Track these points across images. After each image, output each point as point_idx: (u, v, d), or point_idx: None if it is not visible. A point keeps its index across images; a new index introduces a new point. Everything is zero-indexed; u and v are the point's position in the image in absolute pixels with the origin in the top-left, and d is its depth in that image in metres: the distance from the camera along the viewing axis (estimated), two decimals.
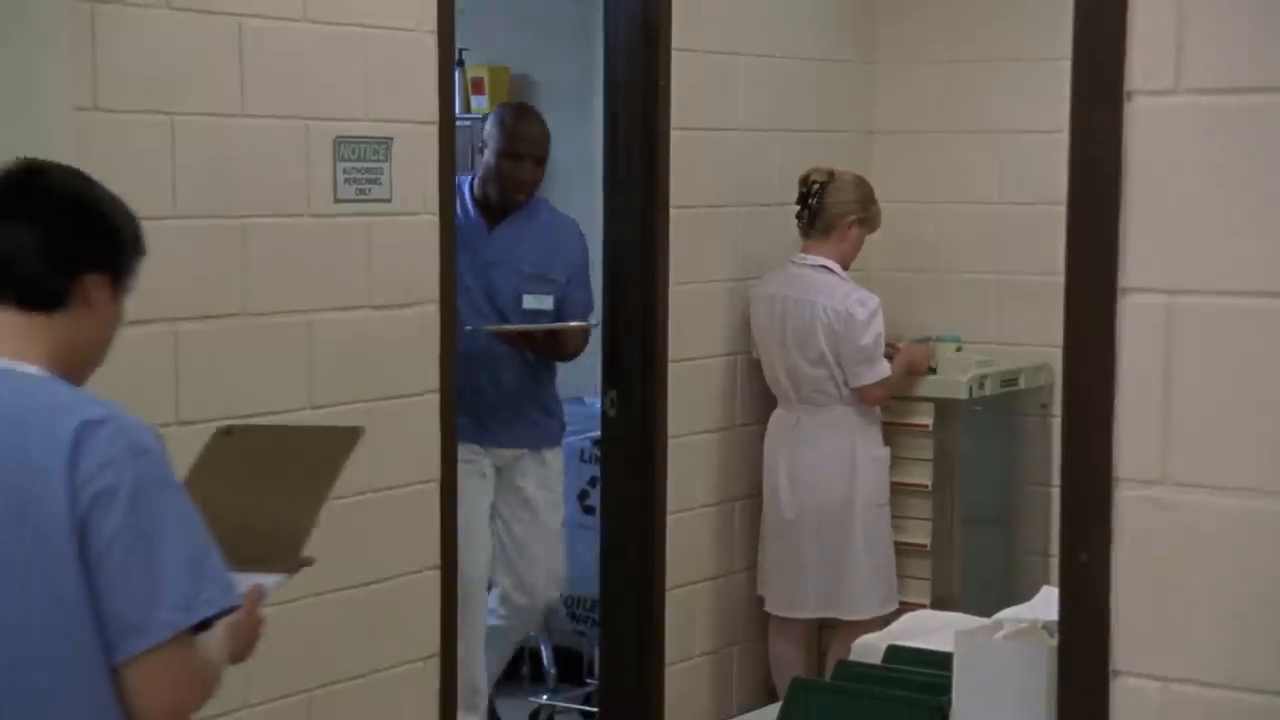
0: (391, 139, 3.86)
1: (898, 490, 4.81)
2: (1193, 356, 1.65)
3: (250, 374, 3.59)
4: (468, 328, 4.34)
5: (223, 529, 2.04)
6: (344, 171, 3.77)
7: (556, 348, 4.70)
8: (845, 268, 4.76)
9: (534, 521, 4.77)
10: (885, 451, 4.75)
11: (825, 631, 4.90)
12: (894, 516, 4.78)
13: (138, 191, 3.38)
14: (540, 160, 4.68)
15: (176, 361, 3.46)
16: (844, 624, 4.73)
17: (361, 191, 3.81)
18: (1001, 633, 2.08)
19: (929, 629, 2.45)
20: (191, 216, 3.48)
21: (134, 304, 3.34)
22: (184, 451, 3.43)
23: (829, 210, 4.73)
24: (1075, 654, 1.77)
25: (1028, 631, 2.10)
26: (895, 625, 2.45)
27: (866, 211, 4.76)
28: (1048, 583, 2.55)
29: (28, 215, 2.08)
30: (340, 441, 2.35)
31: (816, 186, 4.75)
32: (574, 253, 4.73)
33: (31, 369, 2.05)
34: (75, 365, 2.10)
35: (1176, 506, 1.67)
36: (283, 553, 2.21)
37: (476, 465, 4.64)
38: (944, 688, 2.11)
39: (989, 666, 2.11)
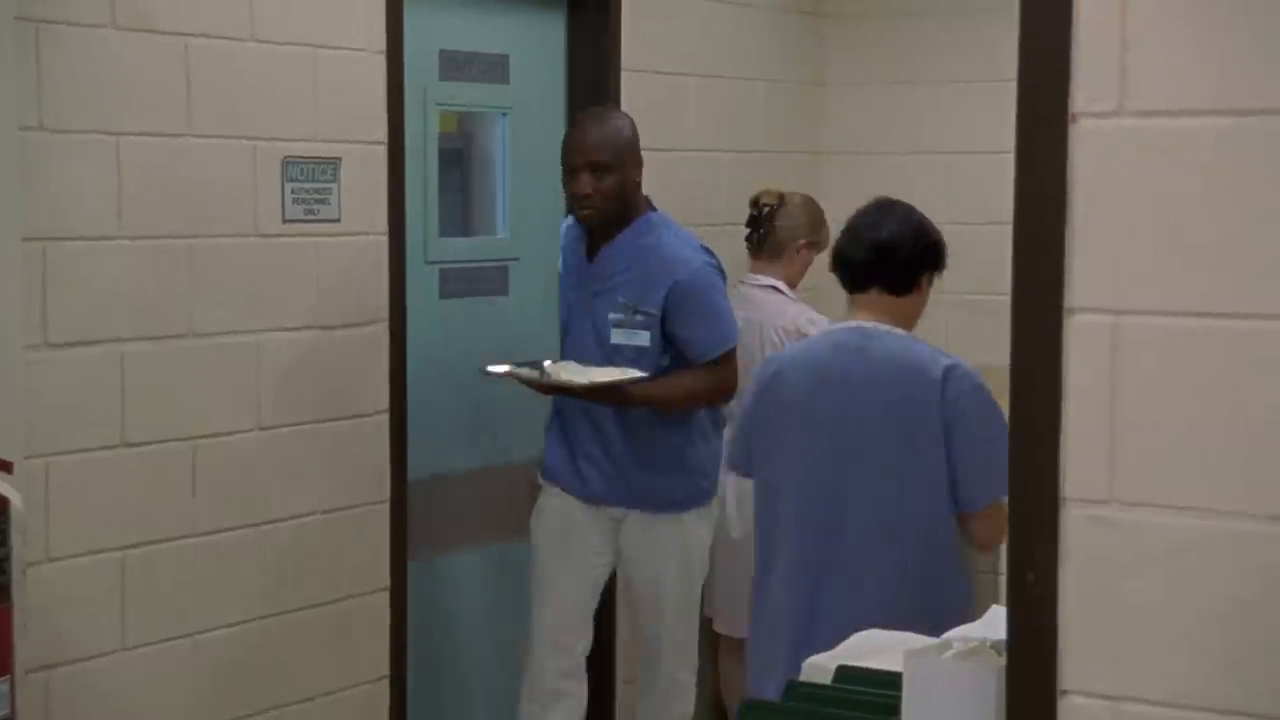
0: (340, 159, 3.84)
1: None
2: (1138, 376, 1.66)
3: (198, 395, 3.57)
4: (488, 369, 3.98)
5: None
6: (292, 191, 3.75)
7: (614, 398, 3.97)
8: (793, 288, 4.78)
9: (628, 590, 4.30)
10: None
11: None
12: None
13: (83, 211, 3.40)
14: (601, 167, 3.96)
15: (123, 382, 3.43)
16: None
17: (310, 212, 3.79)
18: (950, 652, 2.08)
19: (879, 648, 2.44)
20: (138, 237, 3.46)
21: (79, 325, 3.34)
22: (129, 473, 3.43)
23: (779, 233, 4.74)
24: (1023, 673, 1.77)
25: (977, 651, 2.10)
26: (844, 645, 2.45)
27: (816, 234, 4.78)
28: (997, 601, 2.56)
29: (896, 234, 3.39)
30: None
31: (767, 209, 4.76)
32: (682, 279, 3.97)
33: (900, 332, 3.36)
34: (910, 330, 3.40)
35: (1123, 525, 1.67)
36: None
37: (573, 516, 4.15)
38: (895, 708, 2.11)
39: (938, 686, 2.11)
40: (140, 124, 3.44)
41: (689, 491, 4.14)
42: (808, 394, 3.34)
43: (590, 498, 4.14)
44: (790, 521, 3.34)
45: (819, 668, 2.28)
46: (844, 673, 2.20)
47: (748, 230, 4.79)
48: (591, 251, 4.08)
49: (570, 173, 4.00)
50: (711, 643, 4.92)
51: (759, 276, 4.75)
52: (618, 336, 4.00)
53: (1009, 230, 1.83)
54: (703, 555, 4.25)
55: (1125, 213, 1.69)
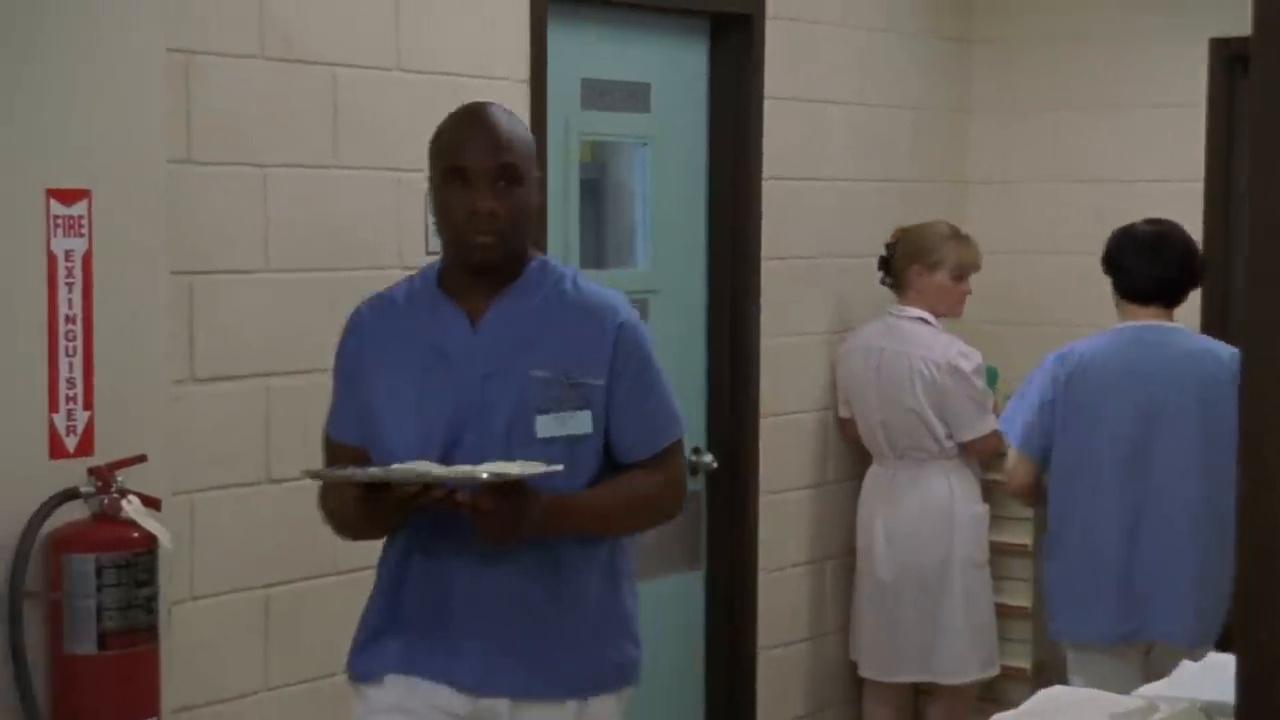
0: None
1: (997, 550, 4.65)
2: None
3: None
4: (302, 472, 2.64)
5: None
6: (435, 223, 3.69)
7: (530, 508, 2.51)
8: (941, 317, 4.63)
9: None
10: (984, 509, 4.61)
11: (921, 696, 4.75)
12: (994, 577, 4.62)
13: (230, 245, 3.36)
14: (511, 173, 2.58)
15: (268, 416, 3.39)
16: (941, 688, 4.58)
17: None
18: (1158, 716, 1.95)
19: (1063, 707, 2.31)
20: (284, 270, 3.41)
21: (225, 359, 3.30)
22: (273, 509, 3.36)
23: (895, 264, 4.62)
24: None
25: (1186, 714, 1.96)
26: (1028, 704, 2.32)
27: (929, 257, 4.59)
28: None
29: (1177, 256, 4.01)
30: None
31: (890, 245, 4.65)
32: (627, 329, 2.65)
33: (1184, 327, 4.05)
34: None
35: None
36: None
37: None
38: None
39: None
40: (287, 156, 3.40)
41: (619, 662, 2.68)
42: (1120, 376, 3.95)
43: (466, 685, 2.61)
44: (1109, 477, 3.94)
45: None
46: None
47: (880, 271, 4.66)
48: (473, 315, 2.63)
49: (457, 178, 2.58)
50: (855, 686, 4.77)
51: (905, 308, 4.62)
52: (547, 427, 2.58)
53: None
54: None
55: None
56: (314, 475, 2.60)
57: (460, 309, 2.64)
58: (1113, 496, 3.94)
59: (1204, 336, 4.17)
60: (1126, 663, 3.91)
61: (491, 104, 2.70)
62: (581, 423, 2.61)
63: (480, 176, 2.57)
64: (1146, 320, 4.01)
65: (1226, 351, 3.94)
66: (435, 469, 2.47)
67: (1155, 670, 3.59)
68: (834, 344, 4.74)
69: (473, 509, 2.48)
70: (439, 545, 2.61)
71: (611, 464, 2.65)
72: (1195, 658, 2.60)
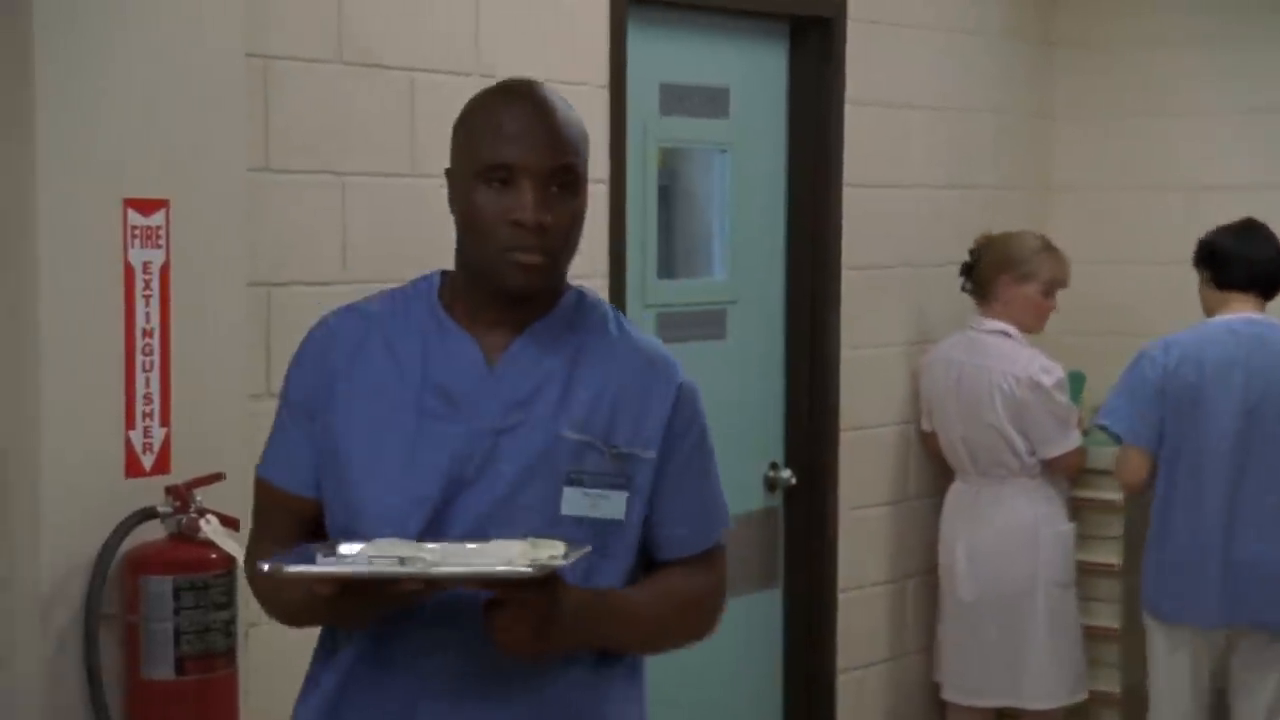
0: None
1: (1084, 569, 4.51)
2: None
3: None
4: (263, 566, 1.93)
5: None
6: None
7: (548, 611, 1.93)
8: (1025, 331, 4.48)
9: None
10: (1070, 527, 4.47)
11: None
12: (1081, 598, 4.48)
13: (307, 255, 3.26)
14: (569, 177, 2.02)
15: None
16: (1026, 713, 4.44)
17: None
18: None
19: None
20: (362, 281, 3.31)
21: None
22: None
23: (981, 273, 4.47)
24: None
25: None
26: None
27: (1020, 268, 4.45)
28: None
29: (1274, 246, 4.11)
30: None
31: (975, 252, 4.50)
32: (686, 393, 2.09)
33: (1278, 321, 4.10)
34: None
35: None
36: None
37: None
38: None
39: None
40: (365, 163, 3.31)
41: None
42: (1223, 367, 4.00)
43: None
44: (1213, 466, 4.01)
45: None
46: None
47: (962, 278, 4.52)
48: (489, 351, 2.05)
49: (498, 177, 2.01)
50: (938, 709, 4.63)
51: (987, 321, 4.48)
52: (574, 504, 2.00)
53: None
54: None
55: None
56: (281, 571, 1.86)
57: (472, 340, 2.02)
58: (1217, 486, 3.99)
59: None
60: (1210, 644, 4.06)
61: (540, 84, 2.05)
62: (614, 506, 1.99)
63: (531, 179, 1.96)
64: (1243, 312, 4.07)
65: None
66: (453, 563, 1.84)
67: (1243, 659, 4.04)
68: (914, 355, 4.61)
69: (489, 607, 1.88)
70: (396, 653, 1.98)
71: (644, 563, 2.06)
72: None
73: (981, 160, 4.84)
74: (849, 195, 4.39)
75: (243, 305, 3.07)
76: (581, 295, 2.09)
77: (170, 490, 2.87)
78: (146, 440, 2.89)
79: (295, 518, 2.04)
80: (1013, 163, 4.96)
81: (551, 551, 1.87)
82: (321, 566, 1.86)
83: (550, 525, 1.95)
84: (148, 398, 2.88)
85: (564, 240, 2.00)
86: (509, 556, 1.85)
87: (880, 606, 4.57)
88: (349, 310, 2.11)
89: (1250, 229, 4.12)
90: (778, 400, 4.40)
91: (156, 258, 2.89)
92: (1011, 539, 4.40)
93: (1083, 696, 4.43)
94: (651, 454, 2.01)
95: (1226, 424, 3.99)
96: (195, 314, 2.95)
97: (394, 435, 1.99)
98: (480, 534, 1.93)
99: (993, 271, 4.46)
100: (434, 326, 2.04)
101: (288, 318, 3.18)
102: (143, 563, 2.82)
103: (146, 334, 2.88)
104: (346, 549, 1.91)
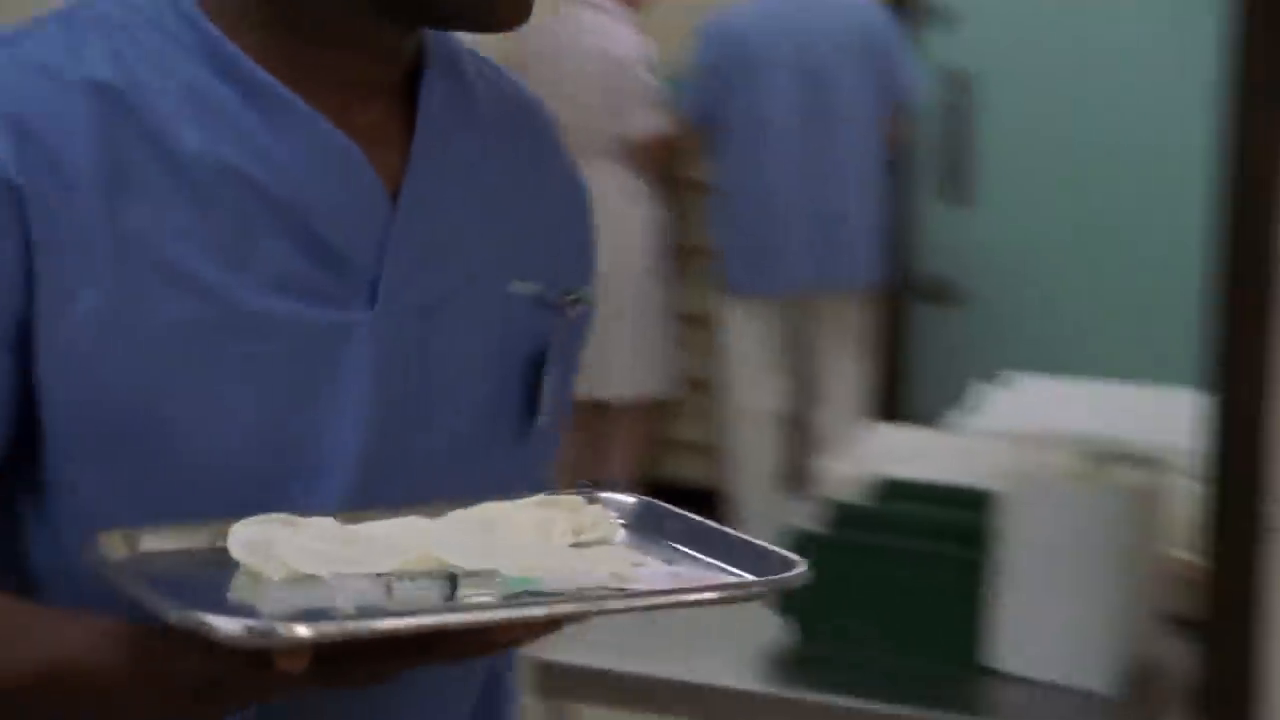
0: None
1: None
2: None
3: None
4: (206, 621, 0.81)
5: None
6: None
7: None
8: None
9: None
10: None
11: None
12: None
13: None
14: None
15: None
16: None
17: None
18: (1062, 467, 1.66)
19: (907, 457, 2.05)
20: None
21: None
22: None
23: None
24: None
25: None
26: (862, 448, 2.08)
27: None
28: None
29: None
30: None
31: None
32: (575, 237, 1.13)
33: None
34: None
35: None
36: None
37: None
38: (970, 534, 1.71)
39: (1050, 511, 1.69)
40: None
41: None
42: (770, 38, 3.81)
43: None
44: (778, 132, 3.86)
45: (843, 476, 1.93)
46: (893, 488, 1.81)
47: None
48: (367, 146, 0.97)
49: None
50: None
51: None
52: (550, 399, 1.07)
53: None
54: None
55: None
56: (273, 634, 0.79)
57: (331, 125, 0.96)
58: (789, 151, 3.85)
59: None
60: (781, 318, 3.93)
61: None
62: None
63: None
64: None
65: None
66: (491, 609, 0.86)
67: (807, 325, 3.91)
68: None
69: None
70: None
71: None
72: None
73: None
74: None
75: None
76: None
77: None
78: None
79: None
80: None
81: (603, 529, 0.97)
82: (355, 619, 0.83)
83: (526, 447, 1.08)
84: None
85: None
86: (583, 563, 0.92)
87: None
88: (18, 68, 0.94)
89: None
90: None
91: None
92: None
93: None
94: (589, 286, 1.12)
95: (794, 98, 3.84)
96: None
97: (221, 333, 0.94)
98: (410, 497, 0.97)
99: None
100: (235, 94, 0.95)
101: None
102: None
103: None
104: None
